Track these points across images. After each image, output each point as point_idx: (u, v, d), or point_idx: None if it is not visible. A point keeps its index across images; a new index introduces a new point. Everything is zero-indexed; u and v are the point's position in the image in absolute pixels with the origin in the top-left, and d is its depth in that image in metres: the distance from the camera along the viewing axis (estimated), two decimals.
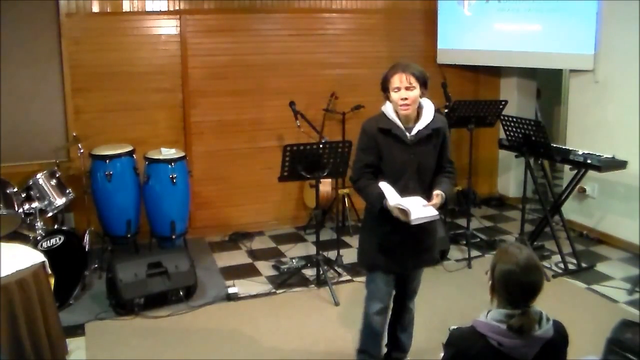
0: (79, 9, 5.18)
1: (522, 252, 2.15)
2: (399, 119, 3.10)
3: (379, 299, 3.30)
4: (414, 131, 3.10)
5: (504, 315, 2.12)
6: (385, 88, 3.12)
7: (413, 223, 2.95)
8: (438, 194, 3.07)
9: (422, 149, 3.12)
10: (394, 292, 3.41)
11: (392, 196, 3.01)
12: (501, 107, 5.26)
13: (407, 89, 3.03)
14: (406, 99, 3.03)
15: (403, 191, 3.08)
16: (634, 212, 5.27)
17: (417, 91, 3.06)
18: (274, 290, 4.66)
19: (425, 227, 3.16)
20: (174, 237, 5.06)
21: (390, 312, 3.42)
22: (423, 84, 3.10)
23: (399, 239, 3.16)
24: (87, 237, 4.80)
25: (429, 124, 3.11)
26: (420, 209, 2.98)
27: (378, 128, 3.10)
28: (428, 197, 3.10)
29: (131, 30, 5.37)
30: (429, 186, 3.15)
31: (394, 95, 3.05)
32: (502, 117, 5.11)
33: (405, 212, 2.96)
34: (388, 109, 3.12)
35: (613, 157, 4.84)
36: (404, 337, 3.53)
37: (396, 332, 3.53)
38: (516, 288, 2.11)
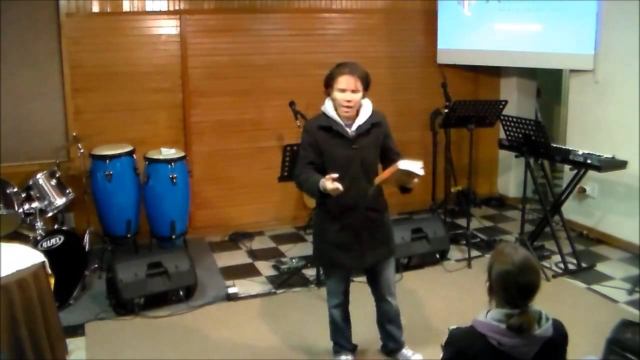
0: (79, 9, 5.18)
1: (518, 253, 2.15)
2: (339, 116, 3.21)
3: (335, 294, 3.49)
4: (354, 126, 3.22)
5: (504, 315, 2.12)
6: (328, 85, 3.20)
7: (400, 167, 2.96)
8: None
9: (363, 143, 3.23)
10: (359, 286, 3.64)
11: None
12: (501, 107, 5.26)
13: (352, 91, 3.13)
14: (350, 101, 3.14)
15: (351, 186, 3.18)
16: (634, 212, 5.27)
17: (360, 94, 3.16)
18: (274, 290, 4.66)
19: (377, 222, 3.31)
20: (174, 237, 5.06)
21: (347, 306, 3.56)
22: (366, 86, 3.20)
23: (352, 235, 3.27)
24: (87, 237, 4.80)
25: (367, 119, 3.23)
26: (409, 163, 3.00)
27: (318, 126, 3.21)
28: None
29: (131, 30, 5.37)
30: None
31: (338, 95, 3.15)
32: (502, 117, 5.11)
33: (336, 189, 2.99)
34: (327, 107, 3.23)
35: (613, 157, 4.84)
36: (393, 329, 3.62)
37: (384, 325, 3.62)
38: (513, 288, 2.11)
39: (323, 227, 3.34)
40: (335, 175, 3.02)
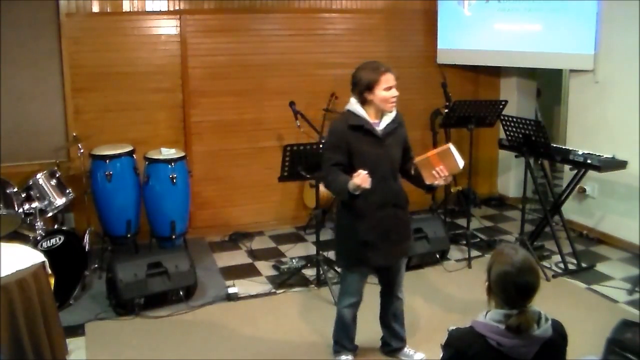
0: (79, 9, 5.18)
1: (517, 254, 2.16)
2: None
3: (353, 293, 3.47)
4: (382, 125, 3.28)
5: (503, 315, 2.12)
6: (368, 88, 3.21)
7: (450, 148, 3.15)
8: None
9: (391, 142, 3.30)
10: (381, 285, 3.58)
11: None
12: (501, 107, 5.26)
13: (395, 87, 3.23)
14: (395, 96, 3.23)
15: (380, 184, 3.22)
16: (634, 212, 5.27)
17: None
18: (274, 290, 4.66)
19: (402, 218, 3.39)
20: (174, 237, 5.06)
21: (359, 305, 3.55)
22: None
23: (381, 233, 3.30)
24: (87, 237, 4.79)
25: (394, 118, 3.31)
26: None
27: (349, 126, 3.23)
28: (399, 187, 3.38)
29: (131, 30, 5.37)
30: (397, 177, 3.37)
31: (384, 93, 3.21)
32: (502, 117, 5.11)
33: (366, 179, 3.04)
34: (356, 107, 3.27)
35: (613, 157, 4.84)
36: (398, 327, 3.65)
37: (390, 323, 3.63)
38: (511, 289, 2.12)
39: (350, 226, 3.33)
40: (362, 171, 3.04)
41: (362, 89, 3.22)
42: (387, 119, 3.29)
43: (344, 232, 3.41)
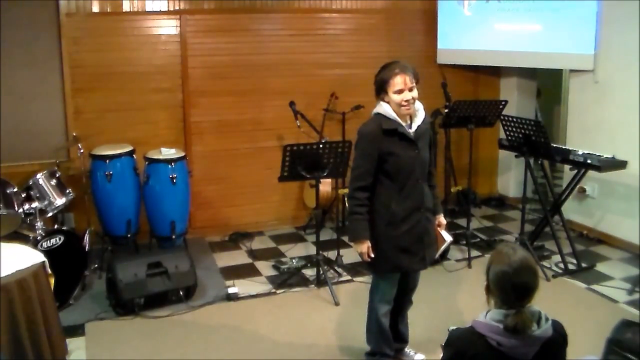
0: (79, 9, 5.18)
1: (516, 253, 2.15)
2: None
3: (387, 301, 3.39)
4: (414, 127, 3.18)
5: (502, 315, 2.12)
6: (382, 90, 3.12)
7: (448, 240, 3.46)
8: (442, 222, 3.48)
9: (422, 144, 3.22)
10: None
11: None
12: (501, 107, 5.26)
13: (410, 90, 3.08)
14: (408, 100, 3.09)
15: (414, 188, 3.16)
16: (634, 212, 5.27)
17: (416, 90, 3.12)
18: (274, 290, 4.66)
19: (432, 222, 3.33)
20: (174, 237, 5.06)
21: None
22: (417, 82, 3.17)
23: (416, 237, 3.24)
24: (87, 237, 4.79)
25: (424, 119, 3.23)
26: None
27: (383, 130, 3.11)
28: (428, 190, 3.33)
29: (131, 30, 5.37)
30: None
31: (395, 97, 3.08)
32: (502, 117, 5.11)
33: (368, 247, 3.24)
34: (387, 109, 3.14)
35: (613, 157, 4.84)
36: (403, 328, 3.62)
37: (397, 325, 3.59)
38: (509, 289, 2.11)
39: (385, 232, 3.22)
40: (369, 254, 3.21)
41: (377, 90, 3.14)
42: (418, 120, 3.19)
43: (378, 239, 3.23)
